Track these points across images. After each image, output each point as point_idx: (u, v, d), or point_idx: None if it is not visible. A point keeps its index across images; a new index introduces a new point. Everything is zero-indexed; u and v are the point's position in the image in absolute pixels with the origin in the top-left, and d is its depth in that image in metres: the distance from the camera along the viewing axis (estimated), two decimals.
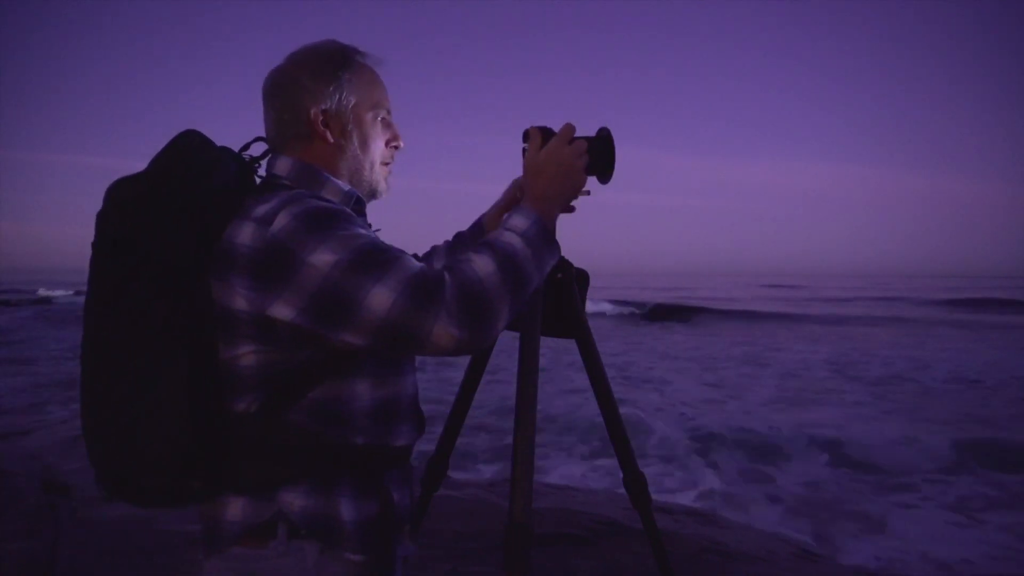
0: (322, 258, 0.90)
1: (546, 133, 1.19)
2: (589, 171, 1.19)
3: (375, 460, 1.03)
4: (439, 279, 0.92)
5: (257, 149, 1.09)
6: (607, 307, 29.37)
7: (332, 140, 1.08)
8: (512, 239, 1.02)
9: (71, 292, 37.01)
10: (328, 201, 1.00)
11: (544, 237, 1.06)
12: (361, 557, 1.00)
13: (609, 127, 1.22)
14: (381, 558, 1.03)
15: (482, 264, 0.96)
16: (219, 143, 1.02)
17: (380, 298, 0.88)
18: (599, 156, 1.20)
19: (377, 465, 1.04)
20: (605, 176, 1.23)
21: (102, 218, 0.94)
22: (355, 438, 1.01)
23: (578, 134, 1.19)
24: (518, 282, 0.98)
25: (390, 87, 1.17)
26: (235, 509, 0.99)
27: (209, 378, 0.95)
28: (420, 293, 0.89)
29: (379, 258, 0.91)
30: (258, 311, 0.92)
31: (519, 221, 1.06)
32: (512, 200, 1.37)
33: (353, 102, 1.10)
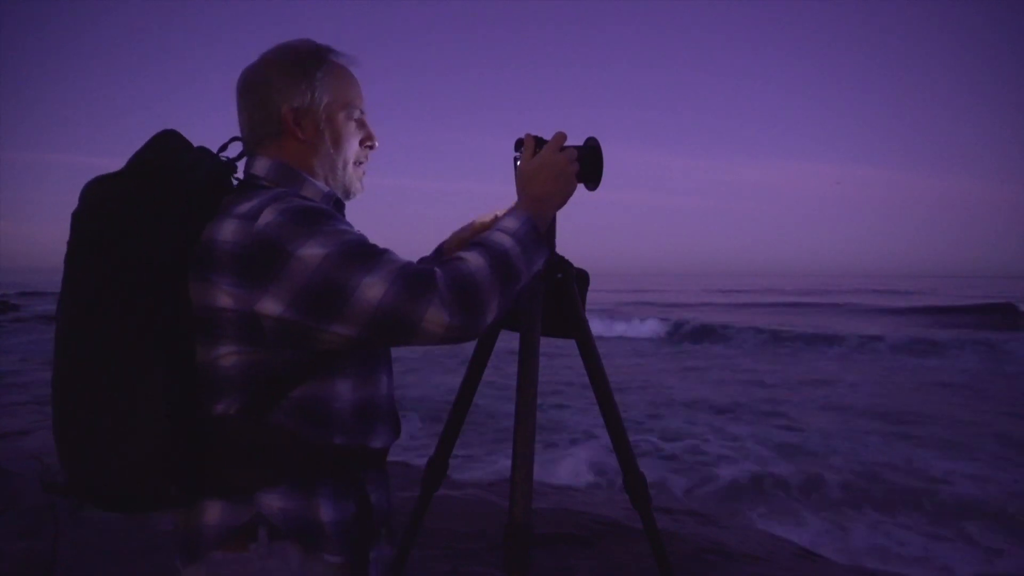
0: (311, 251, 0.90)
1: (539, 141, 1.25)
2: (578, 178, 1.24)
3: (354, 461, 1.03)
4: (430, 271, 0.93)
5: (234, 149, 1.08)
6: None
7: (303, 137, 1.08)
8: (502, 238, 1.05)
9: None
10: (310, 200, 1.00)
11: (534, 237, 1.09)
12: (340, 559, 1.00)
13: (597, 137, 1.27)
14: (359, 560, 1.02)
15: (473, 259, 0.99)
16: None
17: (372, 288, 0.89)
18: (587, 164, 1.25)
19: (355, 466, 1.04)
20: (593, 183, 1.27)
21: (78, 217, 0.92)
22: (335, 438, 1.00)
23: (567, 144, 1.24)
24: (508, 277, 1.00)
25: (369, 86, 1.17)
26: (213, 513, 0.97)
27: (188, 381, 0.94)
28: (412, 282, 0.90)
29: (367, 251, 0.93)
30: (244, 308, 0.92)
31: (511, 222, 1.09)
32: (470, 231, 1.38)
33: (326, 100, 1.10)
